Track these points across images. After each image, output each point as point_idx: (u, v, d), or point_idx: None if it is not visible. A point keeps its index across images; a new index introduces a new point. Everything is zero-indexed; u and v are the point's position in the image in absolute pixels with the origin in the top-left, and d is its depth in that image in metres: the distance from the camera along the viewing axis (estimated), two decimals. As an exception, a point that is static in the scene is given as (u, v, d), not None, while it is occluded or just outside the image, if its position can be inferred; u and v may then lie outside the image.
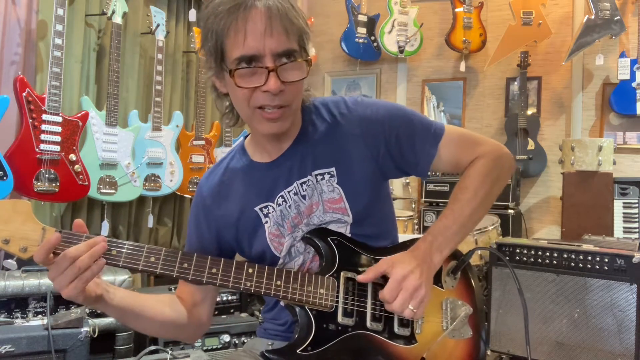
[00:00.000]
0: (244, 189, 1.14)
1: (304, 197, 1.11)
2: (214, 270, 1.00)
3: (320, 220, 1.12)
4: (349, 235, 1.13)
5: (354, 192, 1.11)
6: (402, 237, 1.23)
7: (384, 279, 1.02)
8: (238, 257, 1.14)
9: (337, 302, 1.05)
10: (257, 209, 1.13)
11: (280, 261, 1.14)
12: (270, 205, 1.12)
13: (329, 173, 1.11)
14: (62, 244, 0.93)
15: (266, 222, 1.13)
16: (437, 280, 1.13)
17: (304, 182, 1.11)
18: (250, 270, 1.02)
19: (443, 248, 1.07)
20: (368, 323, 1.05)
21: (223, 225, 1.16)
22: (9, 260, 2.31)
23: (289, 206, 1.12)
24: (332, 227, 1.12)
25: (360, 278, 1.03)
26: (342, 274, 1.07)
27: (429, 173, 1.16)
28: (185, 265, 0.99)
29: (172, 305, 1.14)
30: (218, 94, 1.10)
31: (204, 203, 1.17)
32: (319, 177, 1.11)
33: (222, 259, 1.02)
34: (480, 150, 1.14)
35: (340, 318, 1.04)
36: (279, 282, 1.03)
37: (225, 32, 0.96)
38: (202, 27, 1.01)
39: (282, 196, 1.12)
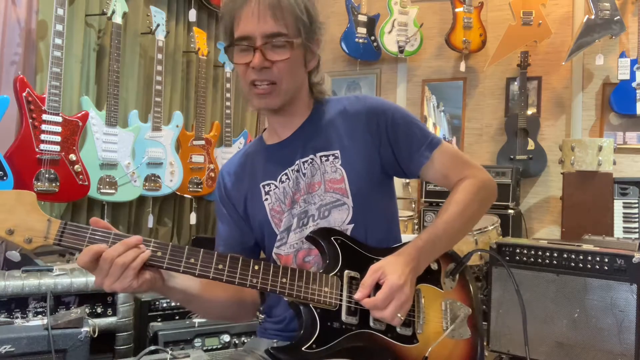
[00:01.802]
0: (254, 168, 1.25)
1: (304, 174, 1.18)
2: (220, 267, 1.01)
3: (320, 199, 1.17)
4: (350, 229, 1.15)
5: (356, 175, 1.17)
6: (402, 238, 1.24)
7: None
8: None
9: (341, 300, 1.06)
10: (261, 185, 1.22)
11: (278, 237, 1.20)
12: (273, 183, 1.21)
13: (333, 155, 1.18)
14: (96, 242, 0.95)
15: (266, 199, 1.21)
16: (437, 281, 1.17)
17: (306, 161, 1.19)
18: (256, 267, 1.03)
19: (430, 258, 1.14)
20: (371, 322, 1.06)
21: (236, 201, 1.25)
22: (13, 252, 2.28)
23: (290, 183, 1.18)
24: (334, 212, 1.16)
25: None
26: (345, 272, 1.08)
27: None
28: (192, 260, 1.00)
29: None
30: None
31: (225, 185, 1.28)
32: (324, 159, 1.18)
33: (229, 255, 1.02)
34: (469, 172, 1.21)
35: (344, 316, 1.05)
36: (284, 280, 1.04)
37: (232, 16, 1.11)
38: (221, 9, 1.17)
39: (285, 174, 1.20)
